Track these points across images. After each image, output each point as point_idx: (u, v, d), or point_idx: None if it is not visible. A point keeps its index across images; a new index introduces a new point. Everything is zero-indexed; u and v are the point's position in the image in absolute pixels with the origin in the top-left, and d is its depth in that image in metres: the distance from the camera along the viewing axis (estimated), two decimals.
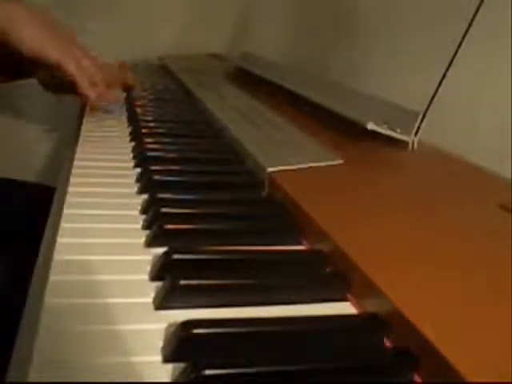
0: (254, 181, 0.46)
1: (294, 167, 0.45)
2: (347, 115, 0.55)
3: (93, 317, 0.26)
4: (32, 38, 0.56)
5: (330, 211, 0.36)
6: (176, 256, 0.31)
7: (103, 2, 1.14)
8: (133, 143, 0.57)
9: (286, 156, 0.47)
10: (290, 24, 0.86)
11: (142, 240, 0.35)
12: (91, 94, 0.60)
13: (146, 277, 0.30)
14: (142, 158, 0.50)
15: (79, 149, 0.53)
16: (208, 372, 0.22)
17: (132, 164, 0.50)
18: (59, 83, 0.63)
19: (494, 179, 0.45)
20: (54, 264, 0.30)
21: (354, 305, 0.29)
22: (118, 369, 0.23)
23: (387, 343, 0.26)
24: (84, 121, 0.63)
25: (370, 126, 0.51)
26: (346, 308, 0.29)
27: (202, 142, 0.58)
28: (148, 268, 0.31)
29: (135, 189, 0.43)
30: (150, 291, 0.29)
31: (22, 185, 0.83)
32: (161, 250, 0.32)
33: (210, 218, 0.38)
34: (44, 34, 0.57)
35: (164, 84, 0.96)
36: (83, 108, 0.70)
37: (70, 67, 0.58)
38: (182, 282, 0.28)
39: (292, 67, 0.79)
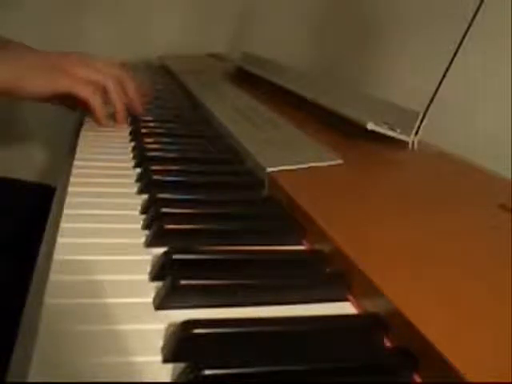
0: (254, 181, 0.46)
1: (293, 167, 0.45)
2: (347, 115, 0.55)
3: (93, 317, 0.26)
4: (39, 83, 0.55)
5: (330, 211, 0.36)
6: (176, 256, 0.31)
7: (104, 2, 1.14)
8: (133, 143, 0.57)
9: (286, 156, 0.47)
10: (290, 24, 0.86)
11: (142, 240, 0.35)
12: (104, 121, 0.61)
13: (145, 277, 0.30)
14: (141, 158, 0.50)
15: (79, 149, 0.53)
16: (208, 372, 0.22)
17: (132, 164, 0.50)
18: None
19: (494, 179, 0.45)
20: (53, 264, 0.30)
21: (353, 305, 0.29)
22: (118, 369, 0.23)
23: (387, 343, 0.26)
24: (84, 121, 0.63)
25: (370, 126, 0.51)
26: (346, 308, 0.29)
27: (202, 142, 0.58)
28: (148, 268, 0.31)
29: (135, 189, 0.43)
30: (150, 291, 0.29)
31: (22, 185, 0.83)
32: (161, 250, 0.32)
33: (210, 218, 0.38)
34: (45, 70, 0.56)
35: (164, 84, 0.96)
36: None
37: (82, 93, 0.57)
38: (182, 282, 0.28)
39: (292, 67, 0.79)
